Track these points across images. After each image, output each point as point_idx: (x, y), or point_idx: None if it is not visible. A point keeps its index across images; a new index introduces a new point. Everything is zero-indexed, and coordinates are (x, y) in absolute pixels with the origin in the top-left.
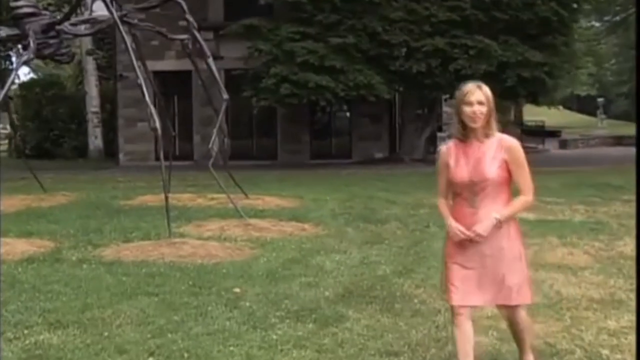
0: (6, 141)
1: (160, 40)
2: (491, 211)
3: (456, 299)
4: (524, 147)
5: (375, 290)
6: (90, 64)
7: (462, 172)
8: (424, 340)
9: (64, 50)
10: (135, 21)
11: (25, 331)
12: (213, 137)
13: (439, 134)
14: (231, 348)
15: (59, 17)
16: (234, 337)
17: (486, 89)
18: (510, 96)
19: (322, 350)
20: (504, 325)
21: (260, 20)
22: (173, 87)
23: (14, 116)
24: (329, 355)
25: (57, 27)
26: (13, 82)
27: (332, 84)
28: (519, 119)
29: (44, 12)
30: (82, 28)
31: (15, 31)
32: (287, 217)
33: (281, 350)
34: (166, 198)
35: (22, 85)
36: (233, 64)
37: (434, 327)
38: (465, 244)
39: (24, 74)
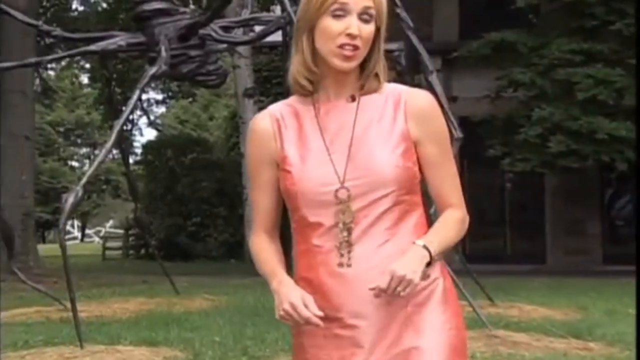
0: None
1: None
2: (383, 264)
3: None
4: None
5: None
6: (249, 111)
7: (319, 171)
8: None
9: (211, 67)
10: None
11: None
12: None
13: None
14: None
15: (203, 18)
16: None
17: None
18: None
19: None
20: None
21: (517, 34)
22: None
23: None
24: None
25: (201, 32)
26: (133, 111)
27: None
28: None
29: (182, 9)
30: (239, 33)
31: (139, 38)
32: (558, 332)
33: None
34: None
35: (147, 147)
36: (471, 107)
37: None
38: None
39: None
